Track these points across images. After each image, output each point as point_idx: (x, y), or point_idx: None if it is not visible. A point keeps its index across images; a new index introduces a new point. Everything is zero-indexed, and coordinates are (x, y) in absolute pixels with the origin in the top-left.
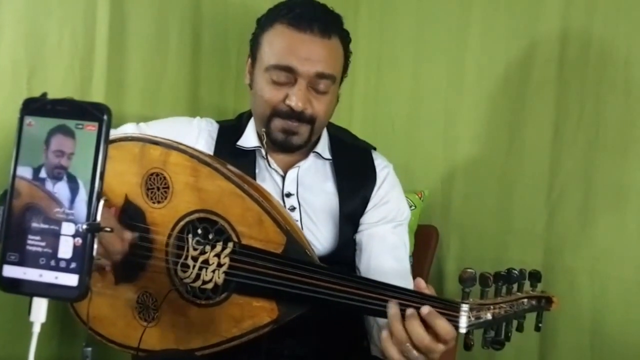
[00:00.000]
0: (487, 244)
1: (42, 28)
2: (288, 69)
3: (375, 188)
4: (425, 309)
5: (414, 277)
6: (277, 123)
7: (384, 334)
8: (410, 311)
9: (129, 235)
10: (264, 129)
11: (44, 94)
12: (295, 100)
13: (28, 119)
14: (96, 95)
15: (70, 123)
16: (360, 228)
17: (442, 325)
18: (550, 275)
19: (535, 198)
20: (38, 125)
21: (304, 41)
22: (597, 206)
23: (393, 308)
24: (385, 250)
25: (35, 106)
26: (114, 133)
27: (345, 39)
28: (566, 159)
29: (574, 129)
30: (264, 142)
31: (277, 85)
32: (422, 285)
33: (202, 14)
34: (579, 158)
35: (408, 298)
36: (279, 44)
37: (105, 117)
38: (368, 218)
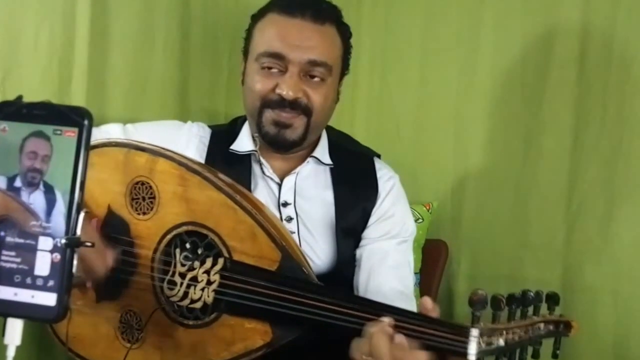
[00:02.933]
0: (501, 260)
1: (17, 25)
2: (278, 56)
3: (379, 201)
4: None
5: (421, 296)
6: (268, 115)
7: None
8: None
9: (111, 254)
10: (256, 134)
11: (20, 97)
12: (286, 88)
13: (2, 124)
14: (76, 98)
15: (48, 129)
16: (362, 243)
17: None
18: (570, 294)
19: (553, 210)
20: (13, 131)
21: (294, 26)
22: (621, 219)
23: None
24: (386, 268)
25: (9, 110)
26: (97, 136)
27: (342, 29)
28: (587, 167)
29: (596, 134)
30: (258, 146)
31: (267, 74)
32: (429, 306)
33: (190, 9)
34: (601, 166)
35: (412, 322)
36: (269, 31)
37: (85, 122)
38: (370, 233)
